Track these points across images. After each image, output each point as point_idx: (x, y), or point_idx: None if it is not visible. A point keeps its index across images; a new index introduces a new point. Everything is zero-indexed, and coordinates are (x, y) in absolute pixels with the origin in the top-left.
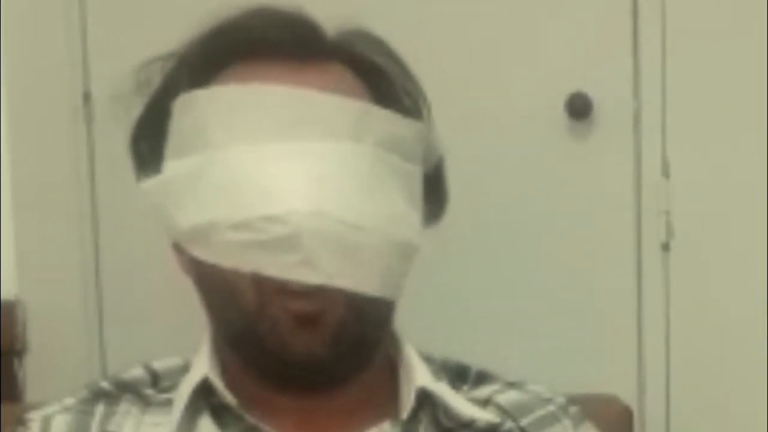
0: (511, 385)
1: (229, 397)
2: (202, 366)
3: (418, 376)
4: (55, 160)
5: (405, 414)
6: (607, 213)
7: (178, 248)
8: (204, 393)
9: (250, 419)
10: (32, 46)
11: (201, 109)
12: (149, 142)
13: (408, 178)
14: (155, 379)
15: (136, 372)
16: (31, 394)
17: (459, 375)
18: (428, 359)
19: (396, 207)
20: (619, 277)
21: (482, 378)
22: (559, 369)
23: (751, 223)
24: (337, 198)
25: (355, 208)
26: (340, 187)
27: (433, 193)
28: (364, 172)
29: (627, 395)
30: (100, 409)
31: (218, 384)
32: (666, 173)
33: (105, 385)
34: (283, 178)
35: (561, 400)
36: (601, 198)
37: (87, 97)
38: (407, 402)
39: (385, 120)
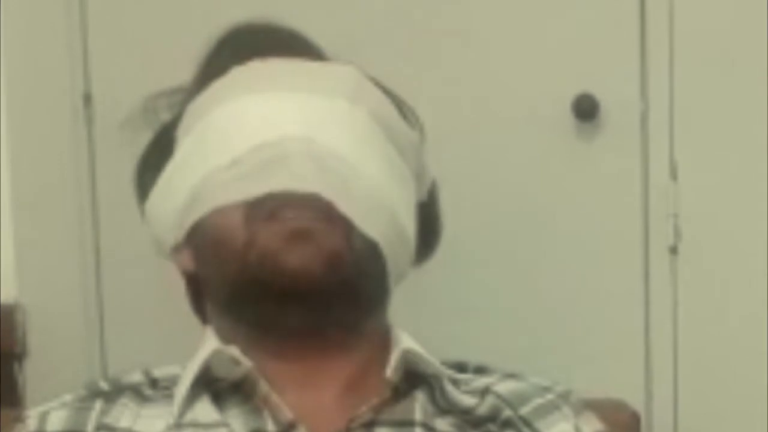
0: (510, 376)
1: (244, 361)
2: (209, 346)
3: (405, 343)
4: (55, 162)
5: (390, 371)
6: (613, 216)
7: (177, 247)
8: (204, 379)
9: (263, 387)
10: (32, 46)
11: (200, 102)
12: (153, 174)
13: (400, 172)
14: (154, 383)
15: (135, 376)
16: (31, 398)
17: (457, 369)
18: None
19: (387, 180)
20: (626, 280)
21: (480, 370)
22: (566, 373)
23: (760, 227)
24: (331, 137)
25: (349, 152)
26: (334, 131)
27: (428, 225)
28: (358, 131)
29: (634, 400)
30: (97, 405)
31: (231, 351)
32: (674, 175)
33: (103, 385)
34: (277, 115)
35: (560, 388)
36: (607, 200)
37: (87, 98)
38: (393, 362)
39: (379, 98)
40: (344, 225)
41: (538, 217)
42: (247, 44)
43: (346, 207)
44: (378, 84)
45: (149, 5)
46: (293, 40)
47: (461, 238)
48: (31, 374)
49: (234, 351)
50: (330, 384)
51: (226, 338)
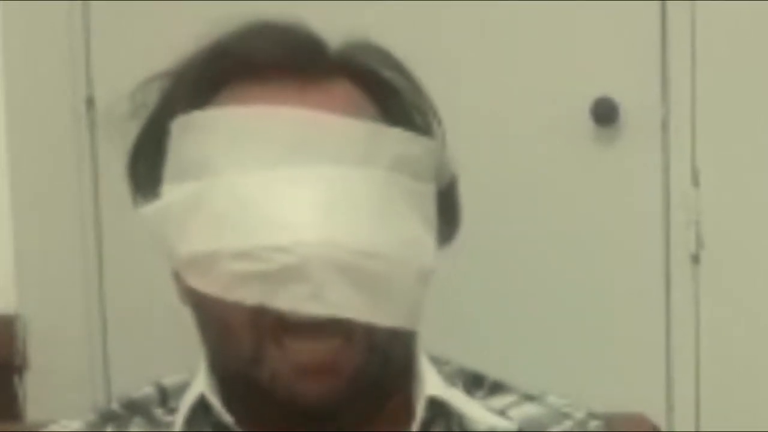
0: (529, 397)
1: (225, 416)
2: (200, 383)
3: (429, 385)
4: (57, 168)
5: (415, 426)
6: (634, 223)
7: (178, 277)
8: (204, 411)
9: None
10: (34, 50)
11: (201, 132)
12: (147, 164)
13: (421, 198)
14: (164, 397)
15: (147, 390)
16: (31, 412)
17: (474, 382)
18: (445, 362)
19: (410, 231)
20: (647, 290)
21: (498, 388)
22: (585, 386)
23: None
24: (347, 225)
25: (367, 235)
26: (350, 214)
27: (447, 213)
28: (375, 198)
29: (655, 414)
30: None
31: (215, 402)
32: (695, 182)
33: (115, 406)
34: (289, 205)
35: (580, 415)
36: (627, 208)
37: (90, 102)
38: (418, 413)
39: (396, 140)
40: (365, 331)
41: (556, 225)
42: (248, 50)
43: (367, 314)
44: (392, 63)
45: (152, 9)
46: (305, 46)
47: (477, 244)
48: (32, 387)
49: (217, 406)
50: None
51: (218, 372)
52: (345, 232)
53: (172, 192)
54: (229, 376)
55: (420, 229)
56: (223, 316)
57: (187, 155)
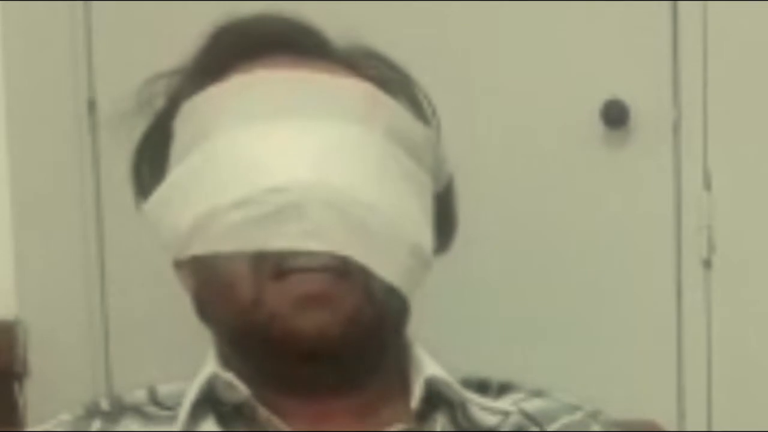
0: (537, 393)
1: (241, 388)
2: (209, 366)
3: (428, 368)
4: (58, 171)
5: (414, 403)
6: (644, 228)
7: (179, 264)
8: (209, 399)
9: (263, 413)
10: (35, 52)
11: (201, 109)
12: (150, 166)
13: (418, 183)
14: (157, 400)
15: (138, 394)
16: (32, 419)
17: (481, 388)
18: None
19: (405, 205)
20: (658, 295)
21: (505, 388)
22: (596, 392)
23: None
24: (344, 174)
25: (362, 187)
26: (347, 165)
27: (444, 218)
28: (372, 158)
29: (666, 421)
30: (96, 424)
31: (228, 377)
32: (707, 185)
33: (103, 403)
34: (286, 150)
35: (589, 407)
36: (638, 212)
37: (92, 104)
38: (416, 392)
39: (393, 110)
40: (362, 277)
41: (565, 229)
42: (250, 35)
43: (364, 257)
44: (389, 64)
45: (154, 11)
46: (300, 34)
47: (485, 247)
48: (32, 395)
49: (230, 377)
50: (343, 414)
51: (229, 363)
52: (341, 179)
53: (173, 174)
54: (236, 340)
55: (415, 209)
56: (225, 275)
57: (188, 136)
